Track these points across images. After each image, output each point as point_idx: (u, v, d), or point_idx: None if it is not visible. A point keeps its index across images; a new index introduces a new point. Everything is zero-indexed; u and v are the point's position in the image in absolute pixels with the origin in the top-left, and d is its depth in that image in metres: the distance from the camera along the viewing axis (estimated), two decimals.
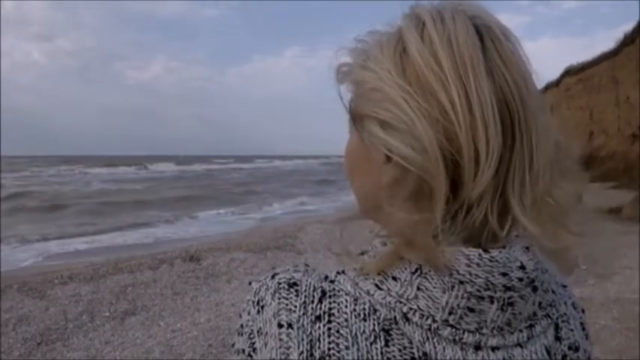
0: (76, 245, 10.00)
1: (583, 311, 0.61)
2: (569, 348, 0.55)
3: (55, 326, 4.75)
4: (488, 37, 0.49)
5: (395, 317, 0.48)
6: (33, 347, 4.38)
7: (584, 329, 0.58)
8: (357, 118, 0.53)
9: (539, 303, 0.52)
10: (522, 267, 0.49)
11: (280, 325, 0.49)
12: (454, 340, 0.48)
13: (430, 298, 0.48)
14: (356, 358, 0.47)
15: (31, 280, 5.94)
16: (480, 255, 0.47)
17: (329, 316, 0.49)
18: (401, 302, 0.48)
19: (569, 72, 25.09)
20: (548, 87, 25.50)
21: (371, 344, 0.47)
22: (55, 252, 9.38)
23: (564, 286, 0.60)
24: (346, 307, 0.49)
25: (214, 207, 16.85)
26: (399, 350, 0.47)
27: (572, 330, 0.56)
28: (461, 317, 0.47)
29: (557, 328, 0.55)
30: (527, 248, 0.50)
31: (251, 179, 34.68)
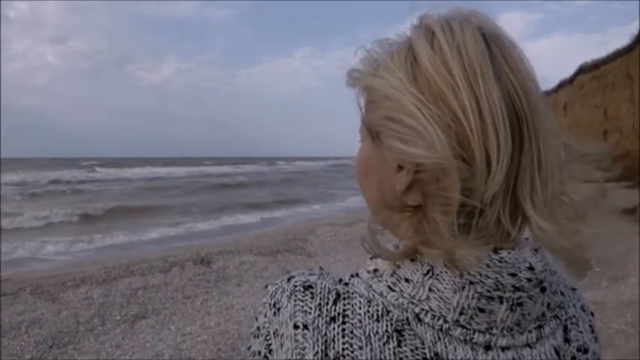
0: None
1: (592, 314, 0.61)
2: (578, 350, 0.55)
3: (66, 329, 4.81)
4: (495, 46, 0.50)
5: (407, 318, 0.49)
6: (45, 350, 4.44)
7: (593, 332, 0.59)
8: (372, 131, 0.54)
9: (548, 304, 0.53)
10: (531, 268, 0.50)
11: (296, 327, 0.50)
12: (465, 340, 0.49)
13: (441, 298, 0.49)
14: (369, 358, 0.48)
15: (44, 282, 6.01)
16: (489, 256, 0.48)
17: (343, 317, 0.50)
18: (413, 303, 0.49)
19: (582, 69, 24.72)
20: (562, 85, 25.21)
21: (384, 344, 0.48)
22: None
23: (573, 289, 0.61)
24: (360, 308, 0.50)
25: None
26: (411, 350, 0.48)
27: (581, 332, 0.57)
28: (471, 317, 0.49)
29: (565, 329, 0.55)
30: (536, 250, 0.51)
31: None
